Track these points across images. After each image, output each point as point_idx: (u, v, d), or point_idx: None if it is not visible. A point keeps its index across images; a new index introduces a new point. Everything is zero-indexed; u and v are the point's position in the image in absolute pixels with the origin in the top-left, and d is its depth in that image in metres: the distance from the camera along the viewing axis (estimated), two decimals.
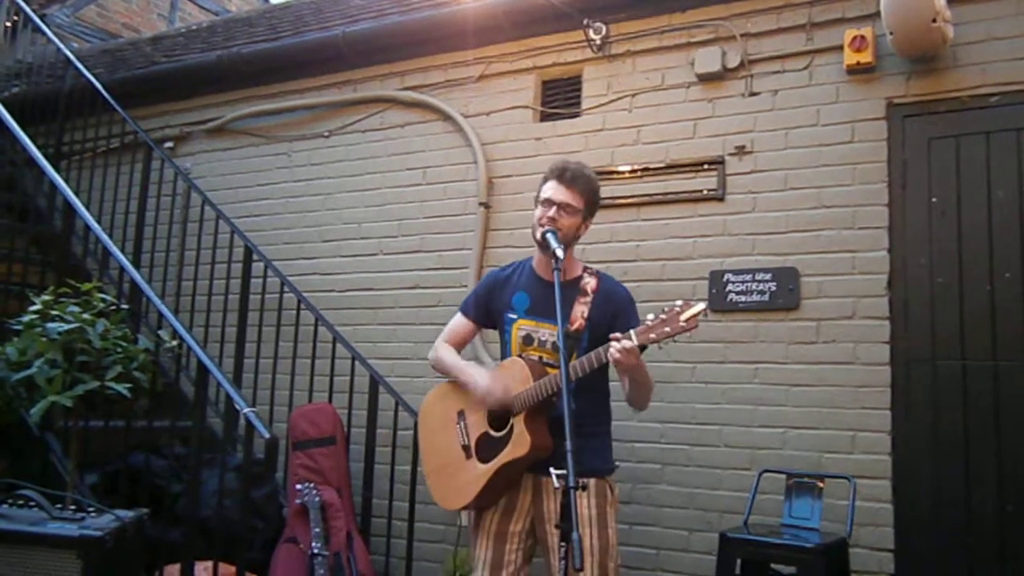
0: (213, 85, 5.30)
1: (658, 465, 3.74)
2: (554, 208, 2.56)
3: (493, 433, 2.57)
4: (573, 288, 2.61)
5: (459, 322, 2.85)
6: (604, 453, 2.67)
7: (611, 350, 2.34)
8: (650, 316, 2.36)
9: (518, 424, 2.49)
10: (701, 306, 2.31)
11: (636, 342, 2.32)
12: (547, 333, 2.61)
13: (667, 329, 2.31)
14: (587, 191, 2.62)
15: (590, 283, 2.64)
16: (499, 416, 2.56)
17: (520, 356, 2.62)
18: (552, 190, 2.60)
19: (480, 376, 2.62)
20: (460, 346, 2.85)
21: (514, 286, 2.72)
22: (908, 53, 3.43)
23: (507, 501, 2.58)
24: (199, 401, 3.41)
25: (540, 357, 2.61)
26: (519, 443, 2.47)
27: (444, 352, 2.80)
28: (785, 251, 3.63)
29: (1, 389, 3.13)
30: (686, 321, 2.29)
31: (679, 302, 2.34)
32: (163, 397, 3.90)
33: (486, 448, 2.56)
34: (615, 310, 2.61)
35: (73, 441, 3.30)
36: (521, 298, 2.68)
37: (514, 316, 2.67)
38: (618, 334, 2.36)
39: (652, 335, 2.32)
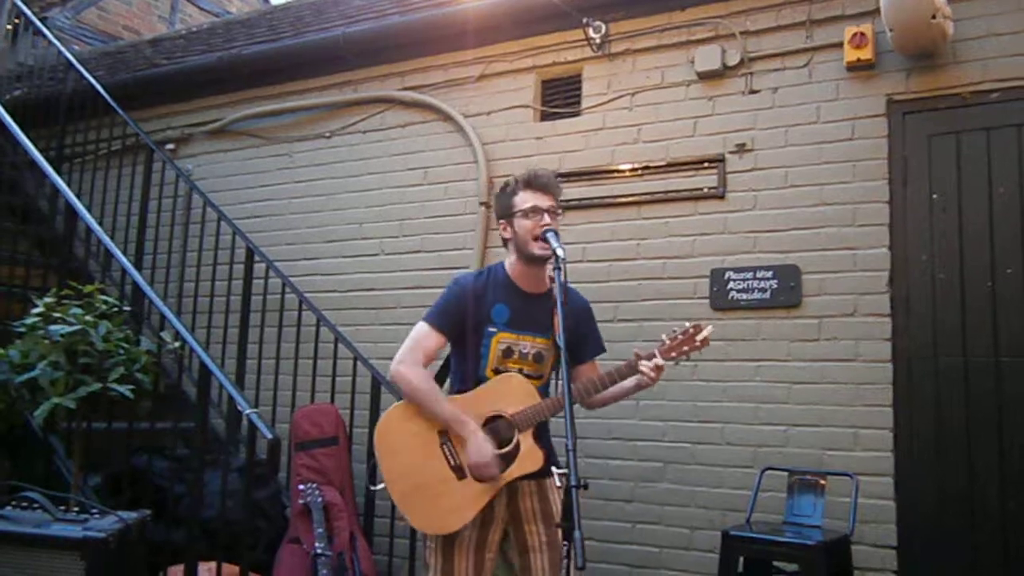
0: (214, 86, 5.31)
1: (660, 463, 3.74)
2: (546, 215, 2.55)
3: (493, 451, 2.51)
4: (548, 299, 2.59)
5: (431, 337, 2.60)
6: None
7: (645, 371, 2.50)
8: (665, 336, 2.57)
9: (525, 440, 2.49)
10: (711, 328, 2.62)
11: (663, 360, 2.52)
12: (528, 345, 2.60)
13: (686, 348, 2.56)
14: (559, 191, 2.67)
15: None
16: (497, 433, 2.52)
17: (496, 370, 2.58)
18: (535, 198, 2.57)
19: (483, 450, 2.45)
20: (430, 363, 2.65)
21: (492, 298, 2.64)
22: (908, 50, 3.43)
23: (485, 511, 2.54)
24: (201, 402, 3.42)
25: (520, 369, 2.60)
26: (530, 458, 2.47)
27: (426, 382, 2.56)
28: (786, 248, 3.63)
29: (4, 391, 3.15)
30: (701, 342, 2.57)
31: (689, 324, 2.59)
32: (166, 398, 3.90)
33: None
34: (580, 319, 2.67)
35: (76, 443, 3.31)
36: (500, 310, 2.61)
37: (494, 329, 2.60)
38: (640, 351, 2.52)
39: (673, 353, 2.55)
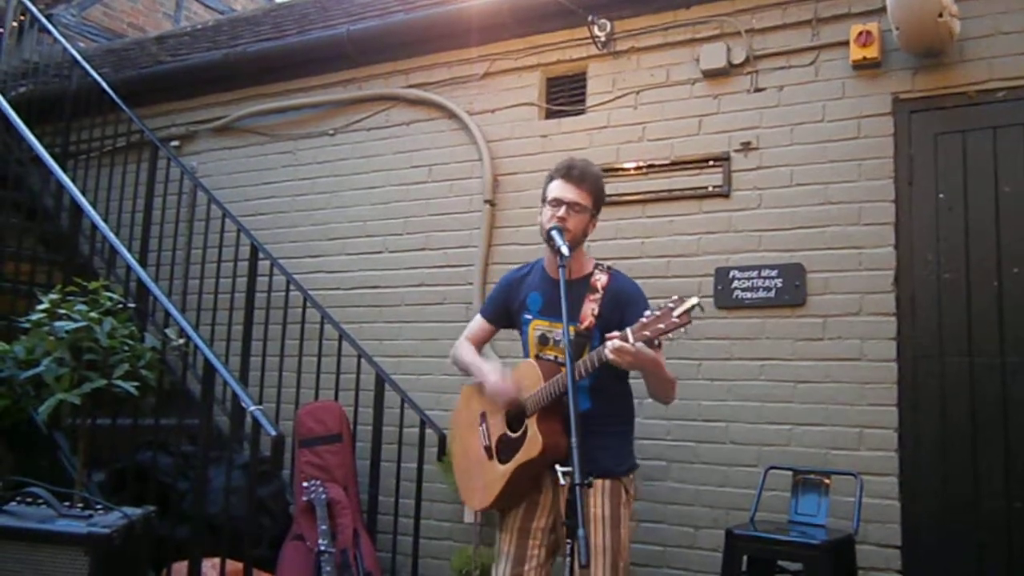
0: (218, 84, 5.32)
1: (664, 462, 3.73)
2: (563, 207, 2.54)
3: (510, 434, 2.55)
4: (583, 285, 2.60)
5: (478, 323, 2.91)
6: (619, 453, 2.61)
7: (604, 350, 2.31)
8: (647, 313, 2.30)
9: (531, 426, 2.49)
10: (693, 300, 2.26)
11: (632, 340, 2.27)
12: (560, 333, 2.58)
13: (660, 326, 2.25)
14: (594, 189, 2.62)
15: (600, 280, 2.62)
16: (516, 417, 2.56)
17: (538, 356, 2.62)
18: (560, 189, 2.58)
19: (493, 373, 2.62)
20: (479, 346, 2.91)
21: (528, 287, 2.72)
22: (914, 48, 3.41)
23: (530, 498, 2.58)
24: (206, 399, 3.42)
25: (555, 357, 2.60)
26: (532, 444, 2.47)
27: (463, 348, 2.86)
28: (791, 247, 3.62)
29: (9, 387, 3.16)
30: (678, 317, 2.23)
31: (674, 298, 2.28)
32: (170, 395, 3.91)
33: (504, 449, 2.56)
34: (623, 306, 2.56)
35: (81, 439, 3.32)
36: (535, 298, 2.68)
37: (529, 316, 2.69)
38: (615, 333, 2.31)
39: (647, 332, 2.26)
